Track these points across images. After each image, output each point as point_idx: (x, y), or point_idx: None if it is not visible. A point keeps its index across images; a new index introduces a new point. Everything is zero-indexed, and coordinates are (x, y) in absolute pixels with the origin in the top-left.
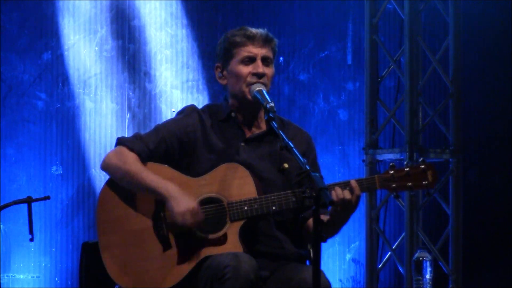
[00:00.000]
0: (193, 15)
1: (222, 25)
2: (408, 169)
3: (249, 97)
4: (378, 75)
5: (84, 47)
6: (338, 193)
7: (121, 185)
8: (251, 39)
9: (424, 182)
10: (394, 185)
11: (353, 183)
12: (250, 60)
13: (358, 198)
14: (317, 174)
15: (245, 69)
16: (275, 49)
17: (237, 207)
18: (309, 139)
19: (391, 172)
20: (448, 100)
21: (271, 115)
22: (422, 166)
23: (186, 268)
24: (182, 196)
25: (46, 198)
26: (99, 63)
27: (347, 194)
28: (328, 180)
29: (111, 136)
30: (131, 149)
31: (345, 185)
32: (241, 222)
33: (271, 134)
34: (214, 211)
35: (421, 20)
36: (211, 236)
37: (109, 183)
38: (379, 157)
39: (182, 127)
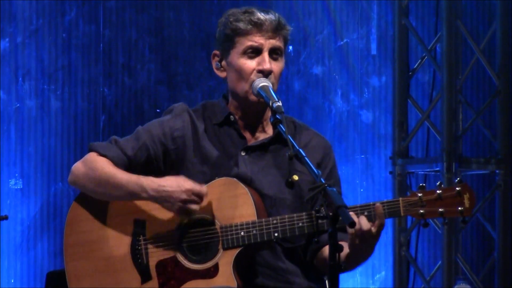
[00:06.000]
0: None
1: (218, 7)
2: (440, 191)
3: (253, 98)
4: (409, 68)
5: (49, 34)
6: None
7: (97, 198)
8: (258, 26)
9: (459, 208)
10: (422, 211)
11: (378, 207)
12: (255, 51)
13: (381, 226)
14: (334, 189)
15: (248, 64)
16: (287, 38)
17: (231, 232)
18: (326, 146)
19: (419, 194)
20: (494, 99)
21: (278, 116)
22: (458, 188)
23: None
24: (166, 178)
25: (3, 218)
26: (68, 53)
27: (364, 222)
28: (348, 197)
29: (83, 142)
30: (103, 155)
31: (363, 209)
32: (236, 251)
33: (278, 140)
34: (204, 236)
35: (461, 0)
36: (199, 267)
37: (79, 199)
38: (410, 169)
39: (168, 132)
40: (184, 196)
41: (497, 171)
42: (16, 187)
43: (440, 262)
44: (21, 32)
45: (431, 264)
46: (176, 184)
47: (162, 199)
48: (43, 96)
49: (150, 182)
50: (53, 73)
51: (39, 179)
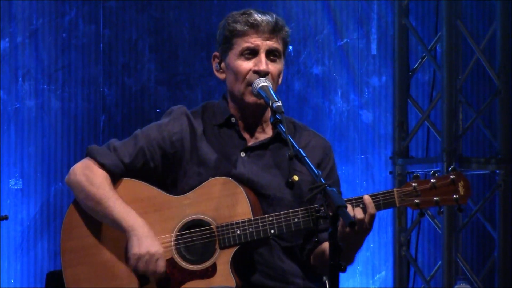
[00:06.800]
0: None
1: (218, 7)
2: (434, 180)
3: (249, 100)
4: (409, 67)
5: (49, 34)
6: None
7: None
8: (255, 27)
9: (454, 196)
10: (417, 201)
11: (367, 199)
12: (252, 53)
13: (372, 217)
14: (334, 189)
15: (244, 65)
16: (286, 40)
17: (228, 231)
18: (326, 147)
19: (414, 184)
20: (494, 99)
21: (278, 116)
22: (452, 176)
23: None
24: (146, 237)
25: (4, 218)
26: (68, 53)
27: (358, 213)
28: (348, 197)
29: (83, 142)
30: (102, 165)
31: (357, 201)
32: (233, 249)
33: (278, 140)
34: (200, 237)
35: (461, 0)
36: (197, 267)
37: (76, 203)
38: (410, 168)
39: (166, 136)
40: (142, 268)
41: (497, 171)
42: (16, 187)
43: (440, 262)
44: (21, 32)
45: (431, 264)
46: (149, 256)
47: (129, 245)
48: (43, 96)
49: (130, 226)
50: (53, 73)
51: (39, 179)
